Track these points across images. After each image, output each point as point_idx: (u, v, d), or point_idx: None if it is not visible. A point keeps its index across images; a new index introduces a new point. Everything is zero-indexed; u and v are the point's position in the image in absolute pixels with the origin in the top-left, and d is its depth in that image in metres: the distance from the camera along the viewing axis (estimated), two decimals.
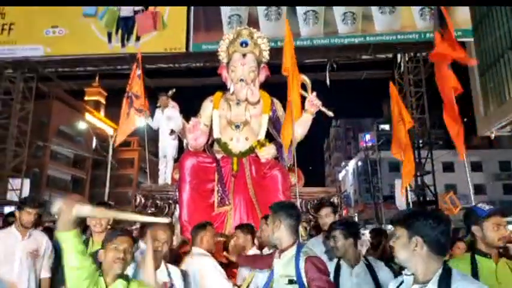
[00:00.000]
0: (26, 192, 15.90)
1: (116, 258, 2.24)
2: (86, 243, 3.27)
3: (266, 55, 6.47)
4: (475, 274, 2.39)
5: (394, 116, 7.03)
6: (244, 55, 6.22)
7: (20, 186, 15.60)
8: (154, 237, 2.80)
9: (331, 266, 2.81)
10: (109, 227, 3.38)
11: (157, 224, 2.98)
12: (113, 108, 39.99)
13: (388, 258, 3.46)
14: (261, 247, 4.25)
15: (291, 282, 2.38)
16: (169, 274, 2.85)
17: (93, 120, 35.76)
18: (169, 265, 2.97)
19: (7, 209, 15.68)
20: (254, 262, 3.33)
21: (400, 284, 1.89)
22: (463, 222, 2.79)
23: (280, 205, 2.76)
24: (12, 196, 15.36)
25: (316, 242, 3.77)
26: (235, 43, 6.30)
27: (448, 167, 31.66)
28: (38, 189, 29.20)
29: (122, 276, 2.29)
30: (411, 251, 1.78)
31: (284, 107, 6.63)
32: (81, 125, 30.79)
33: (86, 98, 43.94)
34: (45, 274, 3.73)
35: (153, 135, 8.30)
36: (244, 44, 6.24)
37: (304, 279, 2.36)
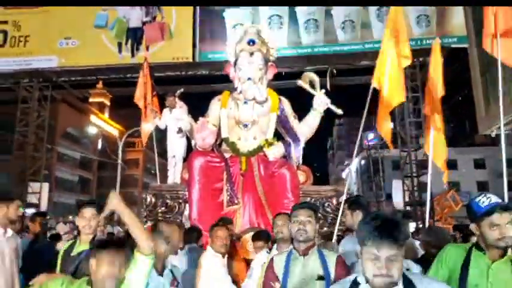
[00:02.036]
0: (44, 195, 15.65)
1: (109, 274, 1.81)
2: (72, 245, 2.82)
3: (274, 53, 6.04)
4: (465, 266, 2.07)
5: (431, 82, 5.12)
6: (251, 53, 5.78)
7: (38, 190, 15.27)
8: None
9: None
10: (99, 228, 2.90)
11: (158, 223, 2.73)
12: (121, 112, 39.33)
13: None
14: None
15: (320, 278, 2.25)
16: (174, 277, 2.58)
17: (98, 122, 34.99)
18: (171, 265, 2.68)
19: (28, 211, 15.65)
20: None
21: None
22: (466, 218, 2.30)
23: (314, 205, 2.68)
24: (31, 199, 15.08)
25: (351, 240, 3.28)
26: (242, 41, 5.86)
27: (452, 165, 30.54)
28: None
29: None
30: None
31: (292, 106, 6.20)
32: (87, 127, 30.13)
33: (91, 100, 41.73)
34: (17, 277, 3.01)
35: (158, 136, 7.88)
36: (251, 42, 5.79)
37: (332, 276, 2.25)
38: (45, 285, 1.91)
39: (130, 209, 2.06)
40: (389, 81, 4.78)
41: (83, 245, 2.74)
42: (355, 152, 6.36)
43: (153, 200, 5.40)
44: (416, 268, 2.38)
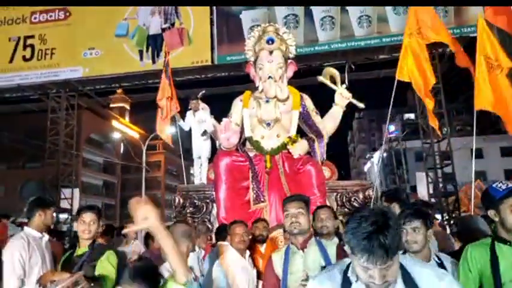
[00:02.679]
0: (76, 200, 16.07)
1: None
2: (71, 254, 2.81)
3: (293, 50, 5.97)
4: (494, 263, 1.95)
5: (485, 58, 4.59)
6: (271, 52, 5.72)
7: (70, 195, 15.69)
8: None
9: None
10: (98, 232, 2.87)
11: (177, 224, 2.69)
12: (141, 116, 39.86)
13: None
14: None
15: (323, 268, 2.10)
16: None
17: (119, 126, 35.39)
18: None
19: (61, 216, 16.10)
20: None
21: (346, 284, 1.37)
22: None
23: (306, 197, 2.57)
24: (64, 204, 15.51)
25: None
26: (261, 41, 5.81)
27: (477, 154, 28.81)
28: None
29: None
30: None
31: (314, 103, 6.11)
32: (110, 132, 30.40)
33: (111, 105, 41.41)
34: None
35: (180, 137, 7.82)
36: (270, 41, 5.73)
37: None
38: None
39: (166, 229, 1.69)
40: (419, 72, 4.76)
41: (82, 249, 2.75)
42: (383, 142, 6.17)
43: (181, 200, 5.42)
44: (447, 260, 2.25)
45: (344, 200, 5.66)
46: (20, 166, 30.12)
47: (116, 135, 30.36)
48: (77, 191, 16.20)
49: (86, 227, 2.71)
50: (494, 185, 2.07)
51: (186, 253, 2.43)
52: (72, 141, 16.41)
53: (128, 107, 46.99)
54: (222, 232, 3.77)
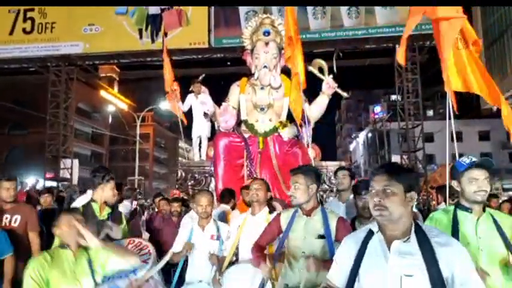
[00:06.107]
0: (75, 170, 16.26)
1: None
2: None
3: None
4: (455, 228, 2.11)
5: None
6: (267, 43, 6.04)
7: (69, 166, 15.92)
8: (198, 202, 2.96)
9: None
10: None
11: (199, 192, 3.23)
12: (129, 86, 38.84)
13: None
14: None
15: (320, 237, 2.32)
16: (218, 229, 2.99)
17: (108, 96, 33.52)
18: (219, 222, 3.12)
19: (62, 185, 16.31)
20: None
21: (367, 238, 1.52)
22: None
23: (310, 169, 2.55)
24: (64, 174, 15.78)
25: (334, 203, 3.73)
26: (258, 31, 6.11)
27: (457, 137, 29.07)
28: None
29: None
30: (406, 207, 1.47)
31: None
32: (98, 102, 29.04)
33: (101, 74, 38.60)
34: None
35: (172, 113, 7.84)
36: (266, 33, 6.04)
37: (333, 235, 2.30)
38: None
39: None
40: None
41: (104, 212, 2.86)
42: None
43: (183, 174, 5.87)
44: None
45: (325, 179, 6.20)
46: (5, 133, 29.66)
47: (105, 105, 29.62)
48: (76, 162, 16.37)
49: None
50: (460, 160, 2.22)
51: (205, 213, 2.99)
52: (71, 114, 16.49)
53: (116, 77, 44.82)
54: (225, 196, 4.26)
